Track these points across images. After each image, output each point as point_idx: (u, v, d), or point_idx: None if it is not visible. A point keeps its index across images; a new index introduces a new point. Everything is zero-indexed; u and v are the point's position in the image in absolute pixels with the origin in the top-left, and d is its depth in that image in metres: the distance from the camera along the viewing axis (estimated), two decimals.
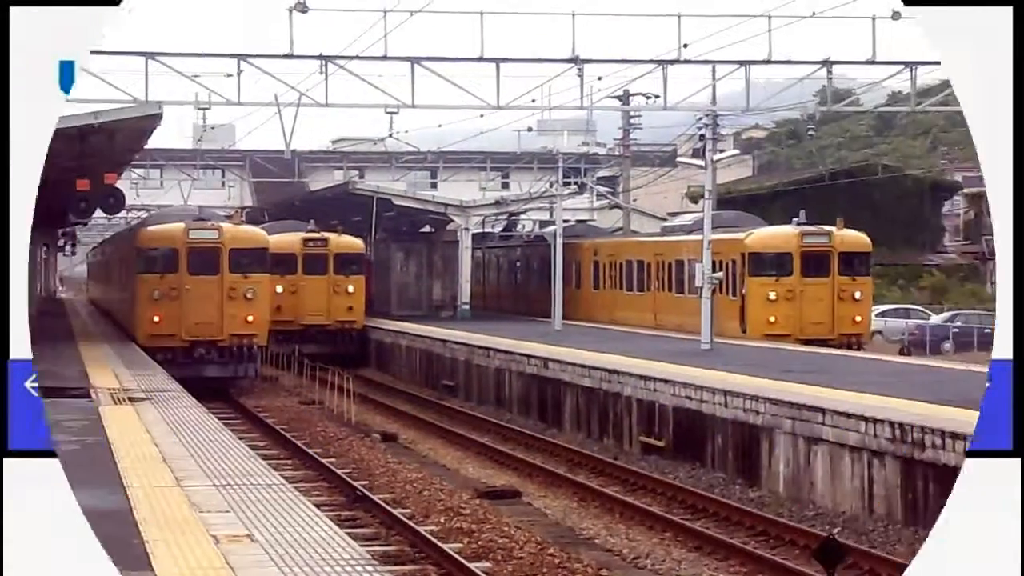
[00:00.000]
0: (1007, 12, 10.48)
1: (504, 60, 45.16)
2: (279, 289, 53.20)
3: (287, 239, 55.58)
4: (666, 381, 31.12)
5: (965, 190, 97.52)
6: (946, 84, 62.21)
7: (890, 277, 78.17)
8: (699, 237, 42.38)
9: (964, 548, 10.41)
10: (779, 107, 59.37)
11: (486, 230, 71.26)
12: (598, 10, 51.02)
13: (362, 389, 43.50)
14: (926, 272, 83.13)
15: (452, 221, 62.59)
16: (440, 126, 66.52)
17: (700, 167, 45.11)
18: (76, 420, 23.02)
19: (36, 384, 10.09)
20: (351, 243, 57.10)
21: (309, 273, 55.10)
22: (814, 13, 43.66)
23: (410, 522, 22.63)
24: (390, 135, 56.36)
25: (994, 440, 10.46)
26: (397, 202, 61.77)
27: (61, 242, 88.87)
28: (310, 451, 31.41)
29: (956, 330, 60.09)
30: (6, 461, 9.95)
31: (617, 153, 76.94)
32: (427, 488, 26.75)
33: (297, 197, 76.68)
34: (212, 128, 65.07)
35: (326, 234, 56.58)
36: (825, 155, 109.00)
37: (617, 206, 75.29)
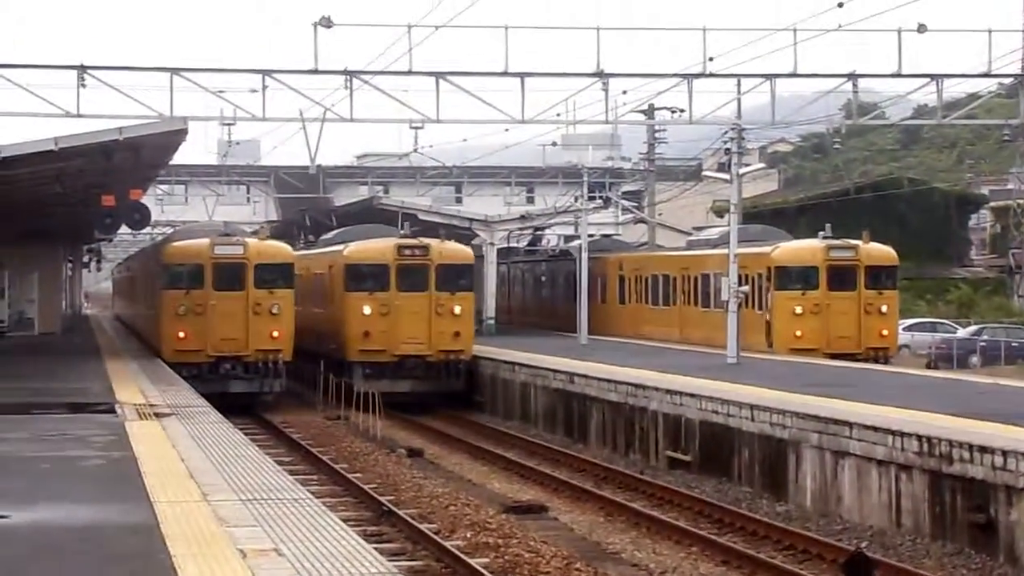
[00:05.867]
0: None
1: (529, 74, 45.22)
2: (367, 310, 44.98)
3: (376, 247, 46.51)
4: (692, 395, 31.04)
5: (992, 203, 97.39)
6: (972, 97, 62.16)
7: (917, 291, 77.95)
8: (725, 251, 42.32)
9: None
10: (805, 120, 59.40)
11: (511, 245, 71.14)
12: (623, 24, 51.17)
13: (387, 404, 43.39)
14: (953, 286, 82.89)
15: (477, 236, 62.46)
16: (465, 140, 66.73)
17: (726, 181, 45.01)
18: (102, 436, 23.02)
19: None
20: (458, 251, 46.74)
21: (405, 290, 45.08)
22: (840, 26, 43.63)
23: (436, 537, 22.60)
24: (415, 150, 56.40)
25: None
26: (422, 217, 61.45)
27: (86, 258, 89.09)
28: (336, 466, 31.39)
29: (983, 344, 59.91)
30: None
31: (642, 167, 76.88)
32: (453, 503, 26.70)
33: (323, 212, 76.71)
34: (237, 143, 65.36)
35: (427, 240, 46.61)
36: (851, 169, 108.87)
37: (642, 220, 75.22)
